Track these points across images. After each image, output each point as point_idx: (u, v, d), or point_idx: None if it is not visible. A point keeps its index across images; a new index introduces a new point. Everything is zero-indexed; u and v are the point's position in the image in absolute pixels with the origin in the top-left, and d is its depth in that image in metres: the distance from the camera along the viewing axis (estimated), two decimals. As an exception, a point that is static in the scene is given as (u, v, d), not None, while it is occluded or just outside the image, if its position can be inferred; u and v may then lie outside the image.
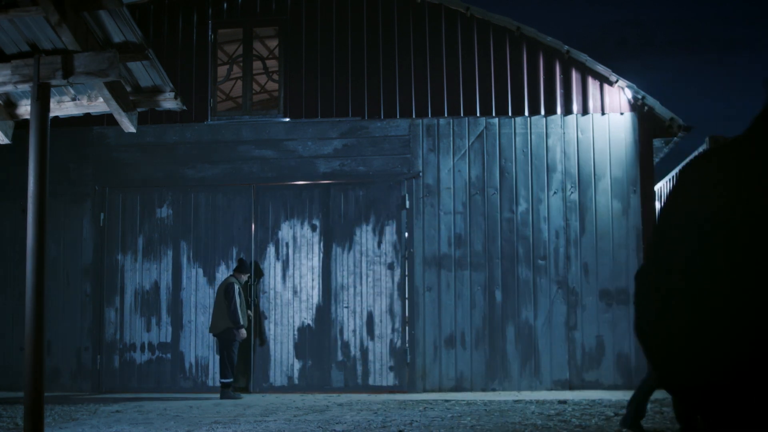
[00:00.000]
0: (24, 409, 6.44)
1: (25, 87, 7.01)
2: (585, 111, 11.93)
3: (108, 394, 11.98)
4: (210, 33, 12.68)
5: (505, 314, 11.66)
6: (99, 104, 7.56)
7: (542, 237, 11.74)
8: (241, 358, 11.77)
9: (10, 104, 7.90)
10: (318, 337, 11.94)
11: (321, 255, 12.04)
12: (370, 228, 12.00)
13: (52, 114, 7.17)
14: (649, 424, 7.82)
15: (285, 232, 12.13)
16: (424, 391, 11.59)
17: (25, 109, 7.85)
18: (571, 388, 11.40)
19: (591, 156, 11.85)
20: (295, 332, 11.98)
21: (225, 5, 12.70)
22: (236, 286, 11.35)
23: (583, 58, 11.89)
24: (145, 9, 12.71)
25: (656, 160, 12.96)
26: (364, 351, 11.84)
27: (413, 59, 12.24)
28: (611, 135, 11.84)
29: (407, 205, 11.96)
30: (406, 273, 11.85)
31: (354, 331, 11.89)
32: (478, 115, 12.04)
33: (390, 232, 11.97)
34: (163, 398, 11.28)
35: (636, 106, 11.86)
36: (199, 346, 12.12)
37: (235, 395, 11.19)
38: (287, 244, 12.11)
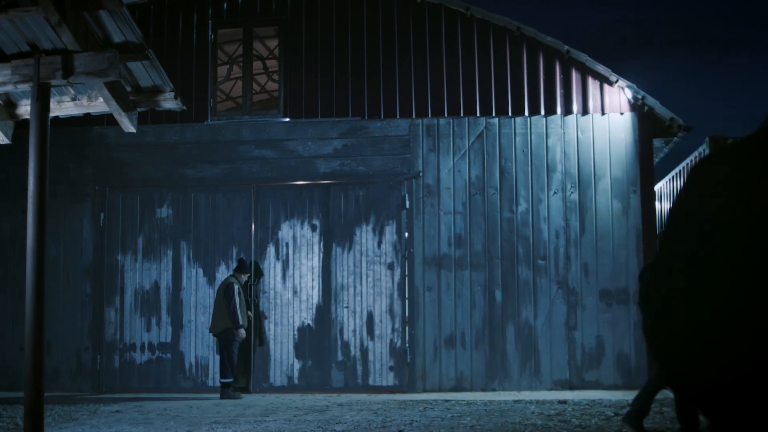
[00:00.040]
0: (24, 409, 6.44)
1: (25, 87, 7.02)
2: (585, 111, 11.93)
3: (108, 394, 11.99)
4: (210, 33, 12.69)
5: (505, 314, 11.66)
6: (99, 104, 7.56)
7: (542, 237, 11.74)
8: (241, 358, 11.77)
9: (10, 104, 7.90)
10: (318, 337, 11.94)
11: (321, 255, 12.04)
12: (370, 228, 12.00)
13: (52, 114, 7.18)
14: (649, 424, 7.81)
15: (285, 232, 12.13)
16: (424, 391, 11.59)
17: (25, 109, 7.86)
18: (571, 388, 11.40)
19: (591, 156, 11.85)
20: (295, 332, 11.98)
21: (225, 5, 12.70)
22: (236, 286, 11.35)
23: (583, 58, 11.89)
24: (145, 9, 12.71)
25: (656, 160, 12.97)
26: (364, 351, 11.84)
27: (413, 59, 12.24)
28: (611, 135, 11.84)
29: (407, 205, 11.96)
30: (406, 273, 11.85)
31: (354, 331, 11.89)
32: (478, 115, 12.04)
33: (390, 232, 11.97)
34: (163, 398, 11.28)
35: (636, 106, 11.86)
36: (199, 346, 12.12)
37: (235, 395, 11.19)
38: (287, 244, 12.11)
